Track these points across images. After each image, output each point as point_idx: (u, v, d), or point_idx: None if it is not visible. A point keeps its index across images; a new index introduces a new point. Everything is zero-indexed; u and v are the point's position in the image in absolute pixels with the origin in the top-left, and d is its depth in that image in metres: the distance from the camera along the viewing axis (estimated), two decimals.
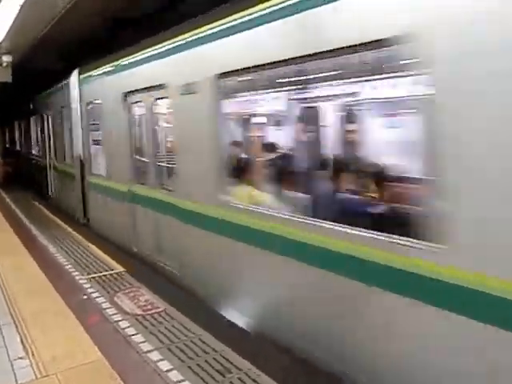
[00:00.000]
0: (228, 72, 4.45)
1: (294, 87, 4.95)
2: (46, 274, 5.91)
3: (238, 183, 4.87)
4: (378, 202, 4.11)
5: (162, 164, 6.35)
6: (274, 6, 3.85)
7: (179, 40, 5.27)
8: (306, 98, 5.56)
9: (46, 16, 7.61)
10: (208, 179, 4.90)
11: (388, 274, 3.07)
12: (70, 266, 6.29)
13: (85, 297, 5.15)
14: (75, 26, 8.12)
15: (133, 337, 4.11)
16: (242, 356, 3.72)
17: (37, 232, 8.49)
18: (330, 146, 5.43)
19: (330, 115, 5.65)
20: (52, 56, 10.82)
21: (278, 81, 4.59)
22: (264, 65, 4.01)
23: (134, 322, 4.41)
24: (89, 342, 4.02)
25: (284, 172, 4.94)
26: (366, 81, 4.54)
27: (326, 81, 4.43)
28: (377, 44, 3.05)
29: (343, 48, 3.28)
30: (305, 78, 4.29)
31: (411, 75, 3.32)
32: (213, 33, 4.63)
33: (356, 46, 3.18)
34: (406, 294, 2.97)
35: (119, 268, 6.14)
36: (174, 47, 5.42)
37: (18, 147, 20.70)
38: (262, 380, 3.39)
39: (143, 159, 6.77)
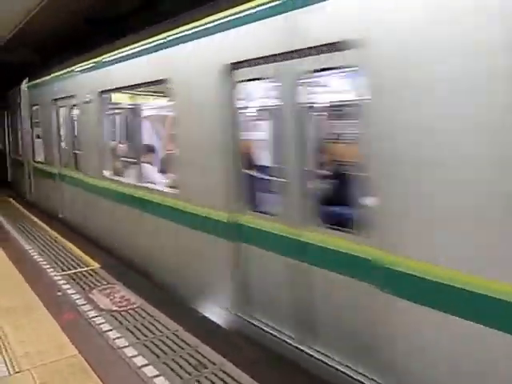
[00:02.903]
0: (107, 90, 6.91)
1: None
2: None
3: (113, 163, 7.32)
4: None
5: (77, 151, 8.36)
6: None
7: (83, 65, 7.63)
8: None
9: (20, 11, 7.48)
10: (96, 161, 7.30)
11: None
12: (38, 256, 6.25)
13: (59, 293, 5.12)
14: (50, 22, 7.99)
15: (108, 332, 4.13)
16: (217, 351, 3.79)
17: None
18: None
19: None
20: (27, 50, 10.61)
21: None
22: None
23: (110, 318, 4.43)
24: (63, 337, 4.02)
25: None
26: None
27: None
28: None
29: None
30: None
31: None
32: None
33: None
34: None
35: (94, 264, 6.11)
36: (80, 70, 7.78)
37: None
38: (237, 375, 3.46)
39: (65, 148, 9.15)
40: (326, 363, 3.42)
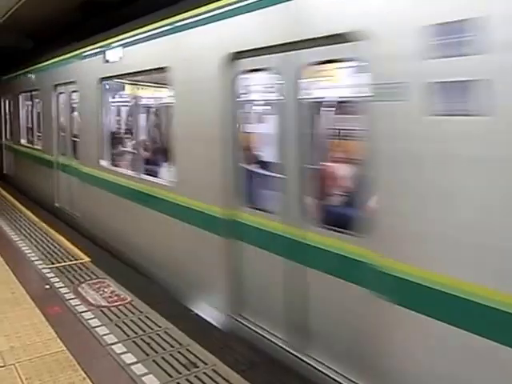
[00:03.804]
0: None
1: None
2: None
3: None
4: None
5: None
6: None
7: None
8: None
9: None
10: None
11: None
12: (25, 246, 6.10)
13: (47, 286, 4.99)
14: (43, 7, 7.83)
15: (97, 328, 4.01)
16: (209, 350, 3.69)
17: None
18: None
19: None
20: (20, 35, 10.42)
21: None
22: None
23: (99, 314, 4.30)
24: (50, 332, 3.90)
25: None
26: None
27: None
28: None
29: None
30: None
31: None
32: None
33: None
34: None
35: (84, 258, 5.98)
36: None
37: None
38: (228, 374, 3.36)
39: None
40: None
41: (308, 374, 3.39)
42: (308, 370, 3.40)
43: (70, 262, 5.80)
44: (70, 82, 8.06)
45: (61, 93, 8.82)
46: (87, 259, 5.93)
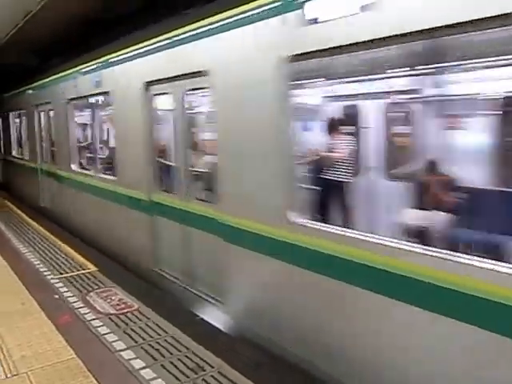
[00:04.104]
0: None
1: None
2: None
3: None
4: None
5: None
6: None
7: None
8: None
9: (19, 12, 7.47)
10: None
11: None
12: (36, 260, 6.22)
13: (56, 296, 5.10)
14: (49, 24, 7.99)
15: (105, 336, 4.11)
16: (216, 354, 3.78)
17: None
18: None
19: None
20: (25, 52, 10.60)
21: None
22: None
23: (107, 321, 4.41)
24: (61, 341, 4.00)
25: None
26: None
27: None
28: None
29: None
30: None
31: None
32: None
33: None
34: None
35: (92, 267, 6.09)
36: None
37: None
38: (235, 377, 3.44)
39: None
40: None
41: (195, 300, 4.92)
42: (194, 298, 4.94)
43: (78, 272, 5.91)
44: (47, 103, 9.77)
45: (41, 111, 10.55)
46: (94, 268, 6.05)
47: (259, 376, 3.51)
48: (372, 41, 2.86)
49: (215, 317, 4.52)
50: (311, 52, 3.27)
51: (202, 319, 4.60)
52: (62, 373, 3.49)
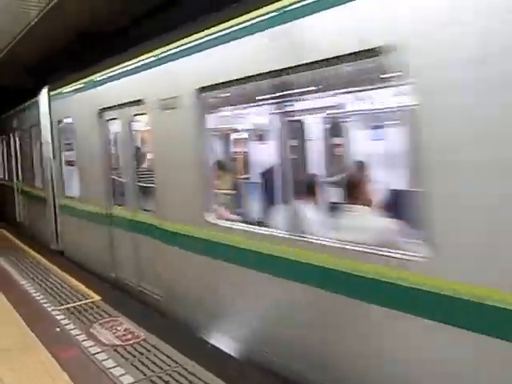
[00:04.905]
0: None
1: None
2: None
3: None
4: None
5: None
6: None
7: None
8: None
9: (13, 29, 7.40)
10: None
11: None
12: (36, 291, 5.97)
13: (58, 329, 4.84)
14: (43, 41, 7.92)
15: (112, 369, 3.86)
16: (228, 382, 3.53)
17: None
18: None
19: None
20: (18, 72, 10.55)
21: None
22: None
23: (113, 354, 4.15)
24: (64, 377, 3.74)
25: None
26: None
27: None
28: None
29: None
30: None
31: None
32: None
33: None
34: None
35: (95, 296, 5.85)
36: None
37: None
38: None
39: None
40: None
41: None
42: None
43: (80, 302, 5.66)
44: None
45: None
46: (97, 298, 5.80)
47: None
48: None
49: (225, 343, 4.28)
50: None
51: (214, 346, 4.34)
52: None
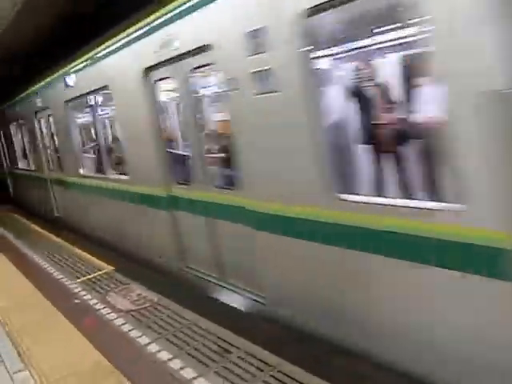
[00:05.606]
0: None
1: None
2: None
3: None
4: None
5: None
6: None
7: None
8: None
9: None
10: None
11: None
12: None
13: (77, 301, 5.14)
14: (27, 29, 7.84)
15: (129, 332, 4.15)
16: (239, 335, 3.80)
17: None
18: None
19: None
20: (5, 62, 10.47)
21: None
22: None
23: (129, 318, 4.44)
24: (86, 344, 4.04)
25: None
26: None
27: None
28: None
29: None
30: None
31: None
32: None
33: None
34: None
35: (108, 267, 6.13)
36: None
37: None
38: (262, 355, 3.46)
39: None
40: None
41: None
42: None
43: (95, 274, 5.95)
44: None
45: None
46: (111, 268, 6.08)
47: (284, 351, 3.51)
48: None
49: (233, 299, 4.53)
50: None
51: (222, 303, 4.61)
52: (92, 375, 3.54)
